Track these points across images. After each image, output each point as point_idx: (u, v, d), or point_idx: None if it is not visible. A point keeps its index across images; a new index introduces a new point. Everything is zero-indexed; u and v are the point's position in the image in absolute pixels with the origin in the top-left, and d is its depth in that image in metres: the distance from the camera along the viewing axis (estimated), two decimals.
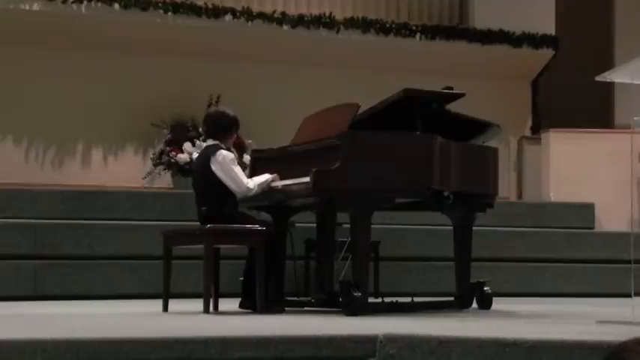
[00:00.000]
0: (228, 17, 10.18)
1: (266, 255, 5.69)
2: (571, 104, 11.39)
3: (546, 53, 11.21)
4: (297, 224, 6.58)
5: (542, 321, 5.20)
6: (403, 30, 10.78)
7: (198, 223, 5.93)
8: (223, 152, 5.87)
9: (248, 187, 5.83)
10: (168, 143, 9.73)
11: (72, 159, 9.96)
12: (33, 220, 7.49)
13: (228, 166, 5.83)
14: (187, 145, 9.56)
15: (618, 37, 11.65)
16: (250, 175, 6.36)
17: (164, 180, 9.76)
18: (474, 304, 6.35)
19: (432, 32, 10.88)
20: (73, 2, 9.59)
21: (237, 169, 5.86)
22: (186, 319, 5.31)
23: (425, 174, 5.61)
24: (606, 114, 11.47)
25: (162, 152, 9.73)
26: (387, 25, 10.73)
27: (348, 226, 5.74)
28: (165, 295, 5.85)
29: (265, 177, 5.94)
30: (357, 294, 5.42)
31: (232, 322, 5.05)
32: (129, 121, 9.90)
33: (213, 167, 5.84)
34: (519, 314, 5.89)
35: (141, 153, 10.10)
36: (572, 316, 5.67)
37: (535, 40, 11.10)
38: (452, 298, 6.36)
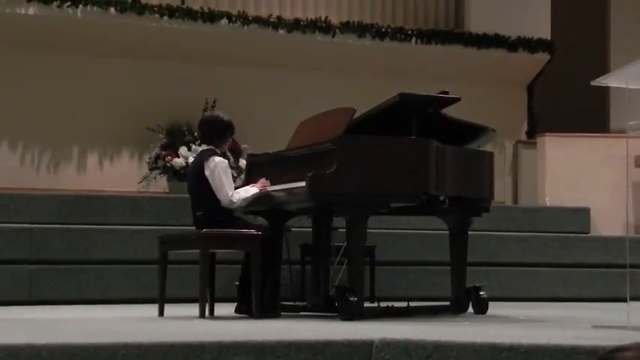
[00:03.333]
0: (224, 21, 10.19)
1: (262, 260, 5.69)
2: (566, 108, 11.41)
3: (542, 58, 11.23)
4: (292, 229, 6.58)
5: (538, 325, 5.20)
6: (399, 34, 10.79)
7: (193, 227, 5.93)
8: (216, 159, 5.86)
9: (231, 200, 5.82)
10: (163, 147, 9.73)
11: (67, 163, 9.95)
12: (28, 225, 7.48)
13: (218, 174, 5.81)
14: (183, 150, 9.56)
15: (613, 41, 11.68)
16: (246, 180, 6.37)
17: (160, 184, 9.76)
18: (470, 309, 6.35)
19: (428, 36, 10.89)
20: (68, 6, 9.59)
21: (226, 179, 5.83)
22: (181, 323, 5.30)
23: (420, 178, 5.61)
24: (601, 118, 11.50)
25: (157, 156, 9.73)
26: (383, 30, 10.75)
27: (344, 230, 5.73)
28: (161, 299, 5.84)
29: (252, 191, 5.92)
30: (353, 299, 5.41)
31: (228, 326, 5.04)
32: (124, 126, 9.90)
33: (206, 172, 5.84)
34: (515, 319, 5.89)
35: (136, 157, 10.10)
36: (567, 320, 5.67)
37: (531, 45, 11.12)
38: (448, 303, 6.36)
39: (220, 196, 5.81)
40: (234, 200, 5.83)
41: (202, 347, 3.71)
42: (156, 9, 9.92)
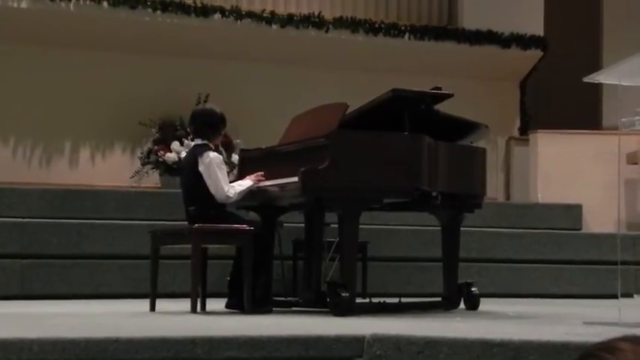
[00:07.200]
0: (217, 16, 10.17)
1: (254, 255, 5.68)
2: (559, 105, 11.42)
3: (535, 54, 11.23)
4: (285, 224, 6.58)
5: (529, 322, 5.20)
6: (392, 30, 10.78)
7: (185, 222, 5.92)
8: (211, 154, 5.85)
9: (227, 195, 5.82)
10: (156, 142, 9.71)
11: (59, 157, 9.92)
12: (20, 219, 7.47)
13: (213, 169, 5.81)
14: (175, 145, 9.54)
15: (606, 38, 11.69)
16: (238, 175, 6.36)
17: (152, 179, 9.74)
18: (462, 305, 6.36)
19: (421, 32, 10.89)
20: (61, 0, 9.56)
21: (221, 174, 5.83)
22: (173, 318, 5.30)
23: (413, 174, 5.61)
24: (594, 115, 11.50)
25: (150, 151, 9.71)
26: (376, 25, 10.74)
27: (336, 226, 5.73)
28: (153, 294, 5.84)
29: (247, 184, 5.92)
30: (345, 294, 5.42)
31: (219, 322, 5.04)
32: (117, 120, 9.87)
33: (200, 168, 5.83)
34: (506, 315, 5.90)
35: (129, 152, 10.08)
36: (558, 317, 5.68)
37: (524, 41, 11.12)
38: (439, 299, 6.37)
39: (216, 192, 5.80)
40: (230, 195, 5.82)
41: (194, 342, 3.72)
42: (149, 3, 9.89)
